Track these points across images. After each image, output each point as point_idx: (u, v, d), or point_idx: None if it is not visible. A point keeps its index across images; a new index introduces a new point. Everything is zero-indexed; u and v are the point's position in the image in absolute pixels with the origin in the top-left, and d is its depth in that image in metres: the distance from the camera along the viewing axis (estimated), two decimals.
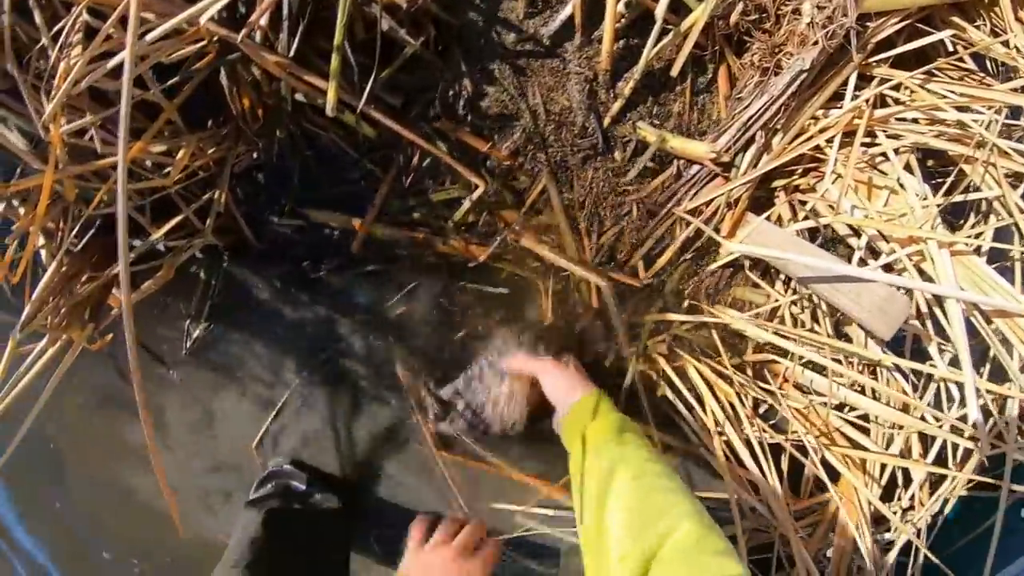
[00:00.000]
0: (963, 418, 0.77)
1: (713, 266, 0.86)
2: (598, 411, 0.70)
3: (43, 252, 0.78)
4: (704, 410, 0.86)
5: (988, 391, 0.77)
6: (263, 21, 0.66)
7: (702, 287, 0.88)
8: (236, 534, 0.87)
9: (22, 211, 0.74)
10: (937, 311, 0.79)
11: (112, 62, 0.60)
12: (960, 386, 0.77)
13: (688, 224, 0.82)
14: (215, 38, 0.67)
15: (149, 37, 0.59)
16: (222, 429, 0.97)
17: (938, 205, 0.76)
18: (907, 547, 0.83)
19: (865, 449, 0.85)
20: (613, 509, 0.56)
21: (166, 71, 0.68)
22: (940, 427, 0.79)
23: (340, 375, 0.93)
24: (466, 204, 0.80)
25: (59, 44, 0.61)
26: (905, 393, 0.83)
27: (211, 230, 0.79)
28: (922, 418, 0.81)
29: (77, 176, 0.70)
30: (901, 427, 0.83)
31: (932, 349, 0.79)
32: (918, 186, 0.77)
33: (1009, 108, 0.76)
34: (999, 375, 0.78)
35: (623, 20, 0.75)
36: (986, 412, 0.78)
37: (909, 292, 0.78)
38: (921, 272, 0.77)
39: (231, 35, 0.64)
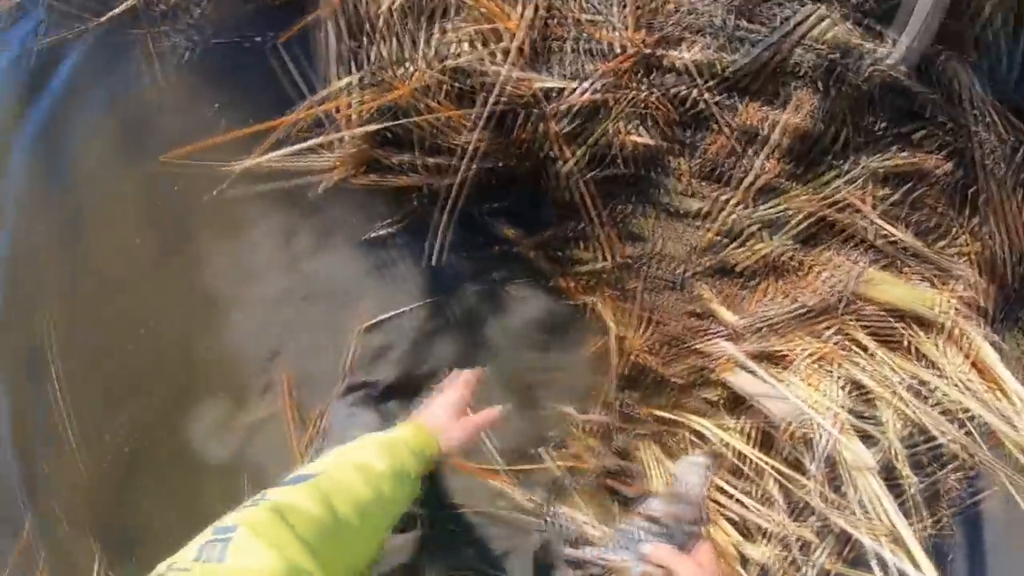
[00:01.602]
0: None
1: (701, 395, 1.30)
2: None
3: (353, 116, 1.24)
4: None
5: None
6: (563, 107, 1.18)
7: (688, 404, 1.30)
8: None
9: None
10: None
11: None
12: None
13: (700, 354, 1.27)
14: (536, 97, 1.19)
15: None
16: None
17: (841, 405, 1.20)
18: None
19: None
20: None
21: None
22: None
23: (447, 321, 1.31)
24: (589, 266, 1.27)
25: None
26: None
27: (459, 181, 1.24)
28: None
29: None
30: None
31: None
32: (836, 391, 1.22)
33: (918, 380, 1.24)
34: None
35: (725, 226, 1.27)
36: None
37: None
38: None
39: (545, 102, 1.16)
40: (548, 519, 1.01)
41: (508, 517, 1.22)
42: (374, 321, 1.33)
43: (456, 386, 0.97)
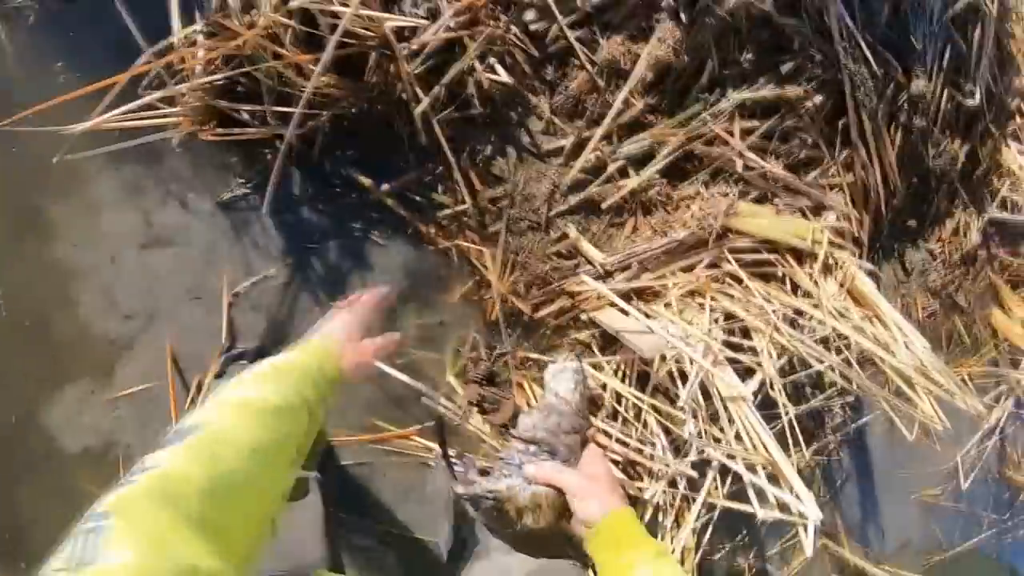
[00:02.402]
0: None
1: (572, 336, 1.28)
2: (631, 532, 0.78)
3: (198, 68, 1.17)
4: None
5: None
6: (415, 46, 1.14)
7: (560, 345, 1.28)
8: None
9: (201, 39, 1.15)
10: None
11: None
12: None
13: (569, 295, 1.25)
14: (386, 37, 1.13)
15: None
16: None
17: (709, 332, 1.20)
18: None
19: None
20: None
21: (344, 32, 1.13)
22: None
23: (312, 277, 1.26)
24: (450, 210, 1.23)
25: None
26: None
27: (298, 128, 1.18)
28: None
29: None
30: None
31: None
32: (708, 323, 1.22)
33: (794, 309, 1.24)
34: None
35: (589, 162, 1.25)
36: None
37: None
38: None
39: (395, 42, 1.11)
40: (435, 461, 0.96)
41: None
42: (241, 288, 1.27)
43: (359, 304, 0.86)
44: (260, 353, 1.27)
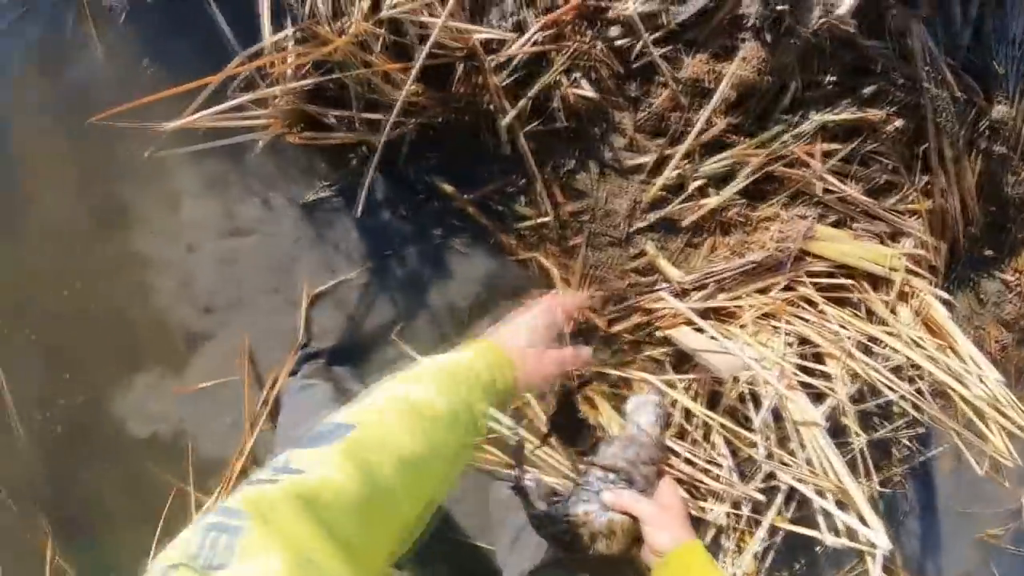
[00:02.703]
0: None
1: (646, 352, 1.28)
2: (702, 564, 0.75)
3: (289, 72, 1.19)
4: None
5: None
6: (502, 59, 1.15)
7: (634, 363, 1.28)
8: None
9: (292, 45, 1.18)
10: None
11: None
12: None
13: (645, 311, 1.25)
14: (474, 49, 1.15)
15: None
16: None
17: (783, 356, 1.19)
18: None
19: None
20: None
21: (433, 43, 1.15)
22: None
23: (392, 282, 1.29)
24: (531, 221, 1.24)
25: None
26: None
27: (387, 135, 1.20)
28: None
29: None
30: None
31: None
32: (783, 346, 1.21)
33: (868, 336, 1.23)
34: None
35: (670, 180, 1.25)
36: None
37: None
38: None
39: (483, 54, 1.13)
40: (513, 481, 0.97)
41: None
42: (322, 289, 1.30)
43: (549, 308, 0.74)
44: (335, 353, 1.30)
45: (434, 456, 0.56)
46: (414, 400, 0.57)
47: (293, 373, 1.28)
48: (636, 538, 0.84)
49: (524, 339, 0.70)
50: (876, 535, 1.06)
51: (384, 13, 1.19)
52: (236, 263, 1.33)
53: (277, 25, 1.27)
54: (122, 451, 1.35)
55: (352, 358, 1.31)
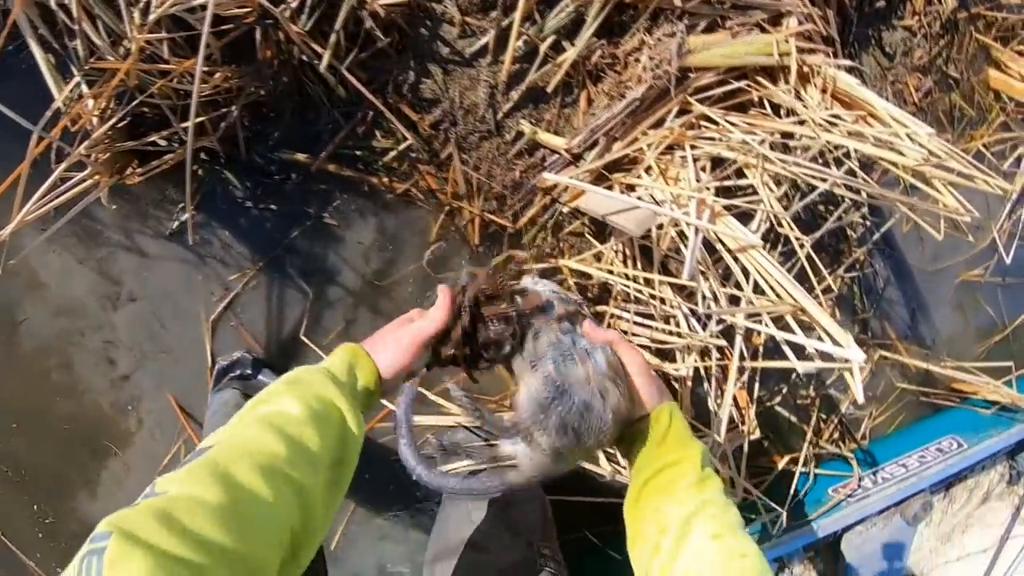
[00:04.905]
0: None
1: (564, 232, 1.21)
2: (681, 434, 0.73)
3: (95, 120, 1.08)
4: None
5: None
6: (294, 4, 1.03)
7: (558, 246, 1.22)
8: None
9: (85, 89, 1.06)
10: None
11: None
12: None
13: (545, 192, 1.17)
14: (260, 5, 1.03)
15: None
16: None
17: (707, 186, 1.12)
18: None
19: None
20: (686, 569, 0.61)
21: (220, 20, 1.03)
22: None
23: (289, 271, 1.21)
24: (394, 151, 1.15)
25: None
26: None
27: (218, 137, 1.11)
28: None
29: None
30: None
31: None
32: (696, 175, 1.13)
33: (780, 133, 1.15)
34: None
35: (519, 51, 1.15)
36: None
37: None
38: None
39: (272, 8, 1.01)
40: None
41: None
42: (218, 312, 1.22)
43: (406, 315, 0.80)
44: (257, 361, 1.24)
45: (298, 452, 0.57)
46: (266, 410, 0.61)
47: (219, 390, 1.22)
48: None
49: (381, 333, 0.76)
50: (847, 350, 0.99)
51: (154, 15, 1.06)
52: (135, 322, 1.24)
53: (68, 78, 1.13)
54: None
55: (274, 362, 1.25)
